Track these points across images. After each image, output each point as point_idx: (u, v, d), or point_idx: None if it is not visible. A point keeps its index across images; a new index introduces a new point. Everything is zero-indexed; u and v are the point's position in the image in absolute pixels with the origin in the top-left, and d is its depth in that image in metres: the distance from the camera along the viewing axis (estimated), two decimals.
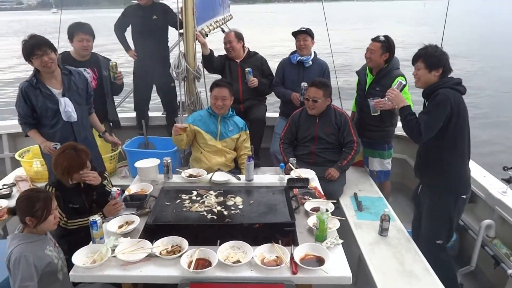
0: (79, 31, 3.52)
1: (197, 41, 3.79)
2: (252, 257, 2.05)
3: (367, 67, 3.64)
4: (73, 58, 3.58)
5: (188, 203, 2.67)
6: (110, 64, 3.69)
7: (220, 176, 3.09)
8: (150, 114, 4.85)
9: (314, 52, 4.10)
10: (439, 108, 2.51)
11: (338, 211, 3.15)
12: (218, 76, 4.19)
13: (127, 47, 4.56)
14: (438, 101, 2.51)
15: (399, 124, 2.90)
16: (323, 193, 2.86)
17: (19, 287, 1.97)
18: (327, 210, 2.33)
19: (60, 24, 4.13)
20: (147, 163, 3.17)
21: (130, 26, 4.48)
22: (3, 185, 3.50)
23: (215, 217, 2.50)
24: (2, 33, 36.49)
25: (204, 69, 4.09)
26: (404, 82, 2.80)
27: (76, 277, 2.02)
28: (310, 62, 4.01)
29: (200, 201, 2.69)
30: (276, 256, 2.09)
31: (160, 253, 2.11)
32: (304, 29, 3.99)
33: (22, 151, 3.81)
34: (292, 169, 3.20)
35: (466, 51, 17.55)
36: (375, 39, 3.48)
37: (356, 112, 3.94)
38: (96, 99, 3.44)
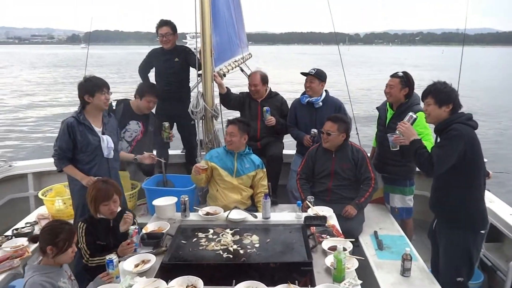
0: (151, 93, 3.84)
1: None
2: None
3: (388, 103, 3.68)
4: (132, 109, 3.89)
5: (205, 242, 2.66)
6: (164, 125, 3.94)
7: (237, 214, 3.09)
8: (170, 152, 4.94)
9: (326, 91, 4.09)
10: (452, 143, 2.49)
11: (358, 250, 3.06)
12: (238, 113, 4.29)
13: None
14: (452, 135, 2.50)
15: None
16: (341, 231, 2.80)
17: None
18: (344, 249, 2.27)
19: (87, 58, 4.52)
20: (165, 201, 3.21)
21: (154, 68, 4.69)
22: (26, 223, 3.57)
23: (231, 256, 2.47)
24: (37, 65, 38.68)
25: (222, 109, 4.18)
26: (414, 116, 2.81)
27: None
28: (320, 103, 4.00)
29: (217, 240, 2.68)
30: None
31: None
32: (312, 72, 3.99)
33: (45, 189, 3.91)
34: (309, 207, 3.17)
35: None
36: (394, 75, 3.55)
37: (376, 147, 3.93)
38: (137, 149, 3.83)
